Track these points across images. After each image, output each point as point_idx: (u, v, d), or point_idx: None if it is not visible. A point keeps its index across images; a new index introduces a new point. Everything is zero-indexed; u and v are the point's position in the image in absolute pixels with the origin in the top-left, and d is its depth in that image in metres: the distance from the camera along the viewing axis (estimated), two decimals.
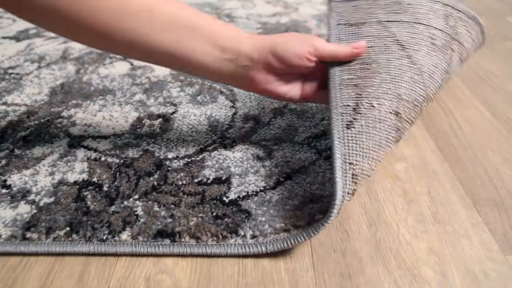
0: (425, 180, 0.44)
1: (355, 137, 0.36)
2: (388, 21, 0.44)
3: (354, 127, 0.37)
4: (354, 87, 0.39)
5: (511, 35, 0.83)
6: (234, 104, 0.58)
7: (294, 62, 0.40)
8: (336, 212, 0.33)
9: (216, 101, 0.59)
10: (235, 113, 0.56)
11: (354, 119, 0.37)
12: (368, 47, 0.42)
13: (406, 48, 0.41)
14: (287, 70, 0.41)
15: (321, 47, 0.40)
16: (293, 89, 0.43)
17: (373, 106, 0.38)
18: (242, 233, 0.37)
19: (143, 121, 0.54)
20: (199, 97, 0.60)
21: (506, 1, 1.04)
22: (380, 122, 0.37)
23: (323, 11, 0.97)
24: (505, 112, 0.56)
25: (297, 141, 0.49)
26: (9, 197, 0.42)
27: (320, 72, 0.45)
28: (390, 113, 0.38)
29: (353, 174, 0.34)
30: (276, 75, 0.41)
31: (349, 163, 0.35)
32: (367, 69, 0.40)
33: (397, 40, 0.42)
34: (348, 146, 0.36)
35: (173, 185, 0.43)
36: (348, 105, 0.38)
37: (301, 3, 1.04)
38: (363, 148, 0.36)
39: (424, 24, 0.44)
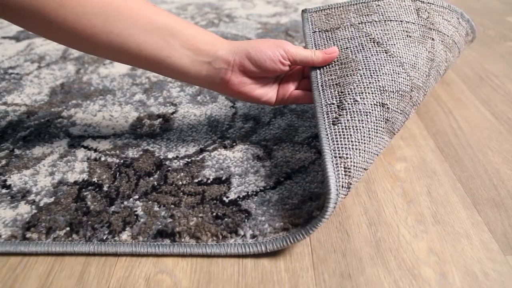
0: (425, 180, 0.44)
1: (342, 131, 0.37)
2: (360, 23, 0.46)
3: (340, 123, 0.38)
4: (336, 86, 0.41)
5: (511, 35, 0.83)
6: (234, 104, 0.58)
7: (268, 65, 0.41)
8: (332, 207, 0.33)
9: (216, 101, 0.59)
10: (235, 113, 0.56)
11: (340, 115, 0.38)
12: (345, 48, 0.44)
13: (382, 44, 0.43)
14: (262, 74, 0.42)
15: (293, 52, 0.42)
16: (269, 93, 0.45)
17: (356, 101, 0.39)
18: (242, 233, 0.37)
19: (143, 121, 0.54)
20: (199, 97, 0.60)
21: (506, 1, 1.04)
22: (366, 115, 0.38)
23: None
24: (505, 112, 0.56)
25: (297, 141, 0.49)
26: (9, 197, 0.42)
27: (297, 76, 0.46)
28: (375, 105, 0.39)
29: (345, 168, 0.35)
30: (252, 78, 0.43)
31: (339, 157, 0.35)
32: (346, 68, 0.42)
33: (371, 38, 0.44)
34: (336, 141, 0.37)
35: (173, 185, 0.43)
36: (332, 103, 0.40)
37: (301, 3, 1.04)
38: (351, 141, 0.36)
39: (395, 21, 0.45)
